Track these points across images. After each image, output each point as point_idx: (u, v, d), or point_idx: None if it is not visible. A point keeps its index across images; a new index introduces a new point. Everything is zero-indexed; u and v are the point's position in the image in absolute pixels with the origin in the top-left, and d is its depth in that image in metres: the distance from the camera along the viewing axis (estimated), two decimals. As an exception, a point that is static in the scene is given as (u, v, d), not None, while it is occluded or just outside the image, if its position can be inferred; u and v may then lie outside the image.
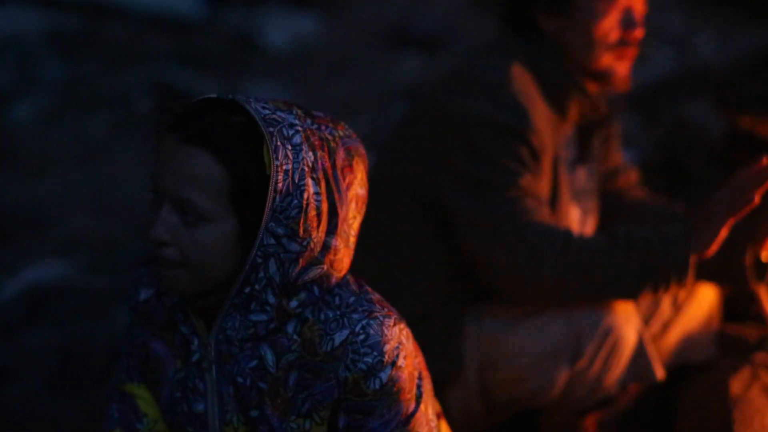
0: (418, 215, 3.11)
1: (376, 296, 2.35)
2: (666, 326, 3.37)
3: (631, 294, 2.94)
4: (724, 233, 2.86)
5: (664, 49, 8.07)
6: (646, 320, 3.35)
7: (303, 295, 2.26)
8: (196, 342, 2.33)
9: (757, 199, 2.81)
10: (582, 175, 3.30)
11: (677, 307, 3.39)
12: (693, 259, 2.88)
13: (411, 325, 2.33)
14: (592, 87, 3.15)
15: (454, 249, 3.07)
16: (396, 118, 6.36)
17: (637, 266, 2.89)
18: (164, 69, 7.47)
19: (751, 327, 3.53)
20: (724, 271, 3.16)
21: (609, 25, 3.10)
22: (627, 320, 3.00)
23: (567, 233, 2.93)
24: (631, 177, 3.49)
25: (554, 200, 3.09)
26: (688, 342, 3.39)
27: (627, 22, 3.11)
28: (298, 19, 8.42)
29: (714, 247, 2.89)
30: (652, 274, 2.89)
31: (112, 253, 5.00)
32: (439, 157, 3.03)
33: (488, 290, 3.05)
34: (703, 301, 3.42)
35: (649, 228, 2.94)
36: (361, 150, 2.31)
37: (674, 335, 3.37)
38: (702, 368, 3.37)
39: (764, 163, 2.82)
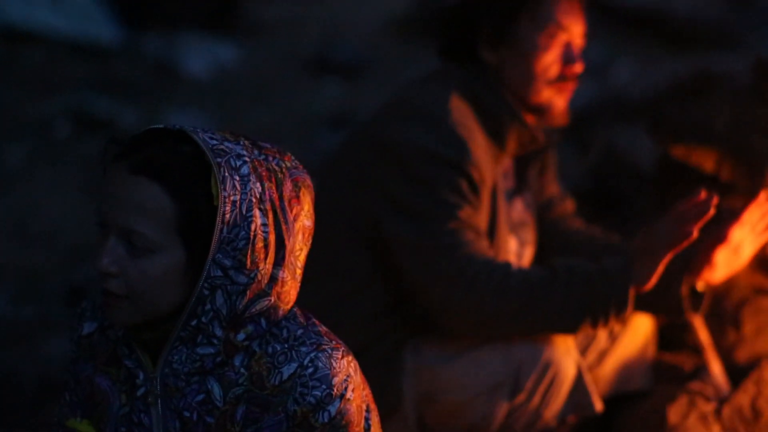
0: (357, 246, 3.09)
1: (323, 328, 2.33)
2: (602, 356, 3.38)
3: (571, 328, 2.95)
4: (662, 267, 2.88)
5: (584, 77, 8.15)
6: (583, 350, 3.36)
7: (250, 328, 2.23)
8: (141, 376, 2.29)
9: (695, 233, 2.83)
10: (519, 206, 3.31)
11: (613, 337, 3.40)
12: (632, 293, 2.89)
13: None
14: (530, 119, 3.16)
15: (393, 280, 3.05)
16: (318, 146, 6.40)
17: (576, 300, 2.89)
18: (83, 96, 7.38)
19: (686, 356, 3.56)
20: (660, 302, 3.17)
21: (549, 60, 3.11)
22: (566, 353, 3.00)
23: (506, 266, 2.93)
24: (568, 207, 3.50)
25: (492, 232, 3.09)
26: (625, 371, 3.40)
27: (567, 57, 3.13)
28: (218, 47, 8.39)
29: (653, 281, 2.90)
30: (592, 307, 2.89)
31: (37, 283, 4.92)
32: (378, 187, 3.02)
33: (428, 322, 3.03)
34: (639, 330, 3.44)
35: (588, 261, 2.95)
36: (308, 181, 2.30)
37: (611, 365, 3.38)
38: (639, 397, 3.39)
39: (702, 197, 2.85)
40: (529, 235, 3.33)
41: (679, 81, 7.17)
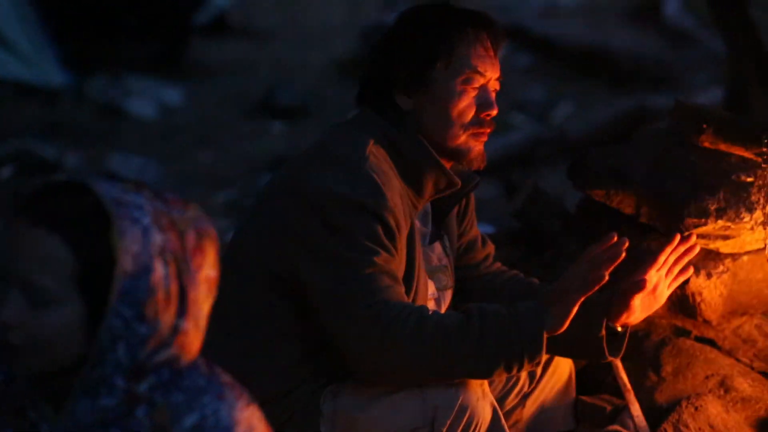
0: (277, 292, 3.09)
1: (227, 378, 2.33)
2: (524, 398, 3.40)
3: (486, 372, 2.96)
4: (575, 311, 2.90)
5: (524, 118, 8.22)
6: (505, 393, 3.39)
7: (153, 379, 2.23)
8: (44, 428, 2.28)
9: (606, 277, 2.85)
10: (438, 250, 3.32)
11: (534, 379, 3.42)
12: (545, 338, 2.91)
13: (269, 403, 2.30)
14: (447, 163, 3.18)
15: (312, 326, 3.06)
16: (261, 188, 6.39)
17: (490, 345, 2.90)
18: (29, 139, 7.38)
19: (606, 397, 3.58)
20: (580, 346, 3.22)
21: (465, 105, 3.13)
22: (482, 397, 3.01)
23: (421, 312, 2.94)
24: (488, 250, 3.52)
25: (410, 277, 3.10)
26: (546, 413, 3.43)
27: (482, 101, 3.15)
28: (164, 89, 8.41)
29: (566, 325, 2.92)
30: (505, 353, 2.91)
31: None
32: (295, 233, 3.03)
33: (347, 368, 3.04)
34: (560, 372, 3.46)
35: (502, 305, 2.97)
36: (212, 231, 2.30)
37: (532, 407, 3.41)
38: (559, 439, 3.40)
39: (614, 240, 2.88)
40: (448, 279, 3.35)
41: (612, 122, 7.27)
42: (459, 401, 2.97)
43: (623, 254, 2.86)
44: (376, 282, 2.95)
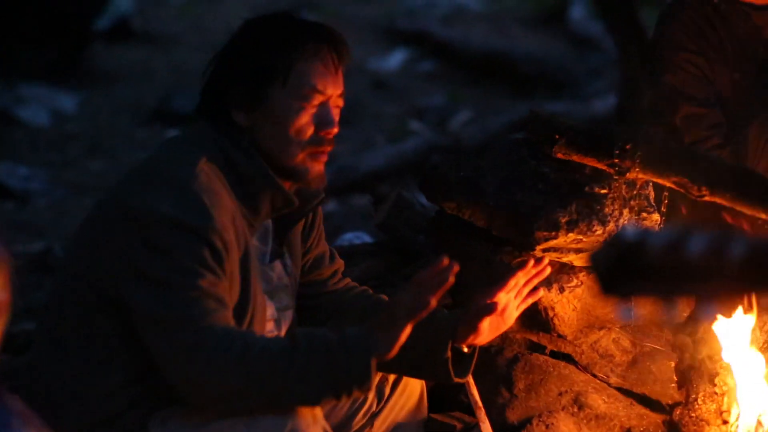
0: (103, 312, 2.98)
1: (17, 406, 2.22)
2: (371, 417, 3.33)
3: (313, 400, 2.88)
4: (404, 336, 2.84)
5: (422, 125, 8.20)
6: (351, 411, 3.32)
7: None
8: None
9: (433, 302, 2.80)
10: (278, 269, 3.23)
11: (383, 398, 3.35)
12: (374, 364, 2.84)
13: (96, 428, 2.20)
14: (287, 182, 3.09)
15: (139, 350, 2.96)
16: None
17: (317, 372, 2.83)
18: None
19: (458, 415, 3.54)
20: (426, 367, 3.19)
21: (302, 123, 3.03)
22: (314, 422, 2.92)
23: (246, 338, 2.86)
24: (337, 266, 3.44)
25: (245, 299, 3.00)
26: (396, 432, 3.36)
27: (322, 120, 3.06)
28: (58, 96, 8.30)
29: (395, 350, 2.86)
30: (333, 380, 2.83)
31: None
32: (120, 255, 2.92)
33: (173, 393, 2.94)
34: (410, 390, 3.39)
35: (331, 330, 2.90)
36: (3, 253, 2.20)
37: (380, 426, 3.33)
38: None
39: (445, 264, 2.82)
40: (289, 299, 3.26)
41: (512, 128, 7.23)
42: (288, 428, 2.88)
43: (452, 279, 2.81)
44: (201, 306, 2.85)
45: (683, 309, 3.57)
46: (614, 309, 3.57)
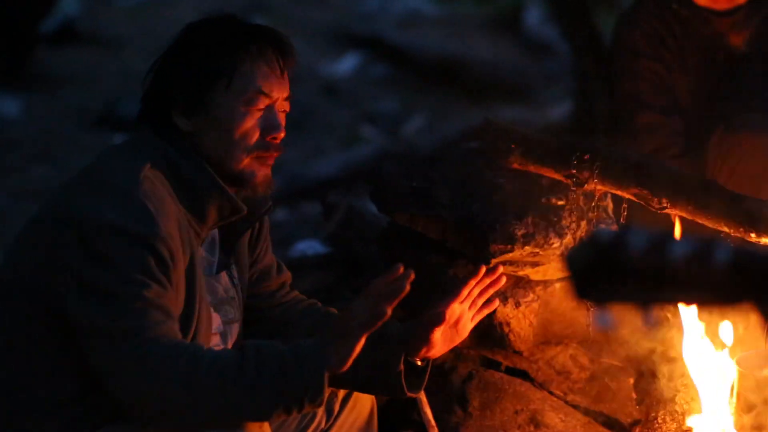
0: (45, 325, 2.87)
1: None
2: (321, 435, 3.25)
3: (264, 415, 2.79)
4: (359, 348, 2.74)
5: (375, 131, 8.14)
6: (300, 428, 3.23)
7: None
8: None
9: (389, 312, 2.70)
10: (225, 280, 3.14)
11: (332, 415, 3.26)
12: (327, 377, 2.74)
13: None
14: (233, 189, 2.99)
15: (83, 364, 2.84)
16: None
17: (267, 385, 2.73)
18: None
19: (410, 432, 3.46)
20: (378, 381, 3.11)
21: (248, 127, 2.95)
22: (260, 439, 2.83)
23: (194, 350, 2.75)
24: (284, 278, 3.34)
25: (190, 310, 2.91)
26: (345, 451, 3.28)
27: (267, 124, 2.97)
28: (2, 100, 8.17)
29: (350, 363, 2.76)
30: (284, 393, 2.74)
31: None
32: (60, 263, 2.81)
33: (118, 409, 2.83)
34: (360, 407, 3.30)
35: (281, 342, 2.79)
36: None
37: (330, 444, 3.25)
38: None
39: (400, 272, 2.73)
40: (236, 311, 3.17)
41: (465, 134, 7.17)
42: (236, 443, 2.78)
43: (407, 288, 2.72)
44: (146, 318, 2.75)
45: (661, 318, 3.49)
46: (588, 315, 3.51)
